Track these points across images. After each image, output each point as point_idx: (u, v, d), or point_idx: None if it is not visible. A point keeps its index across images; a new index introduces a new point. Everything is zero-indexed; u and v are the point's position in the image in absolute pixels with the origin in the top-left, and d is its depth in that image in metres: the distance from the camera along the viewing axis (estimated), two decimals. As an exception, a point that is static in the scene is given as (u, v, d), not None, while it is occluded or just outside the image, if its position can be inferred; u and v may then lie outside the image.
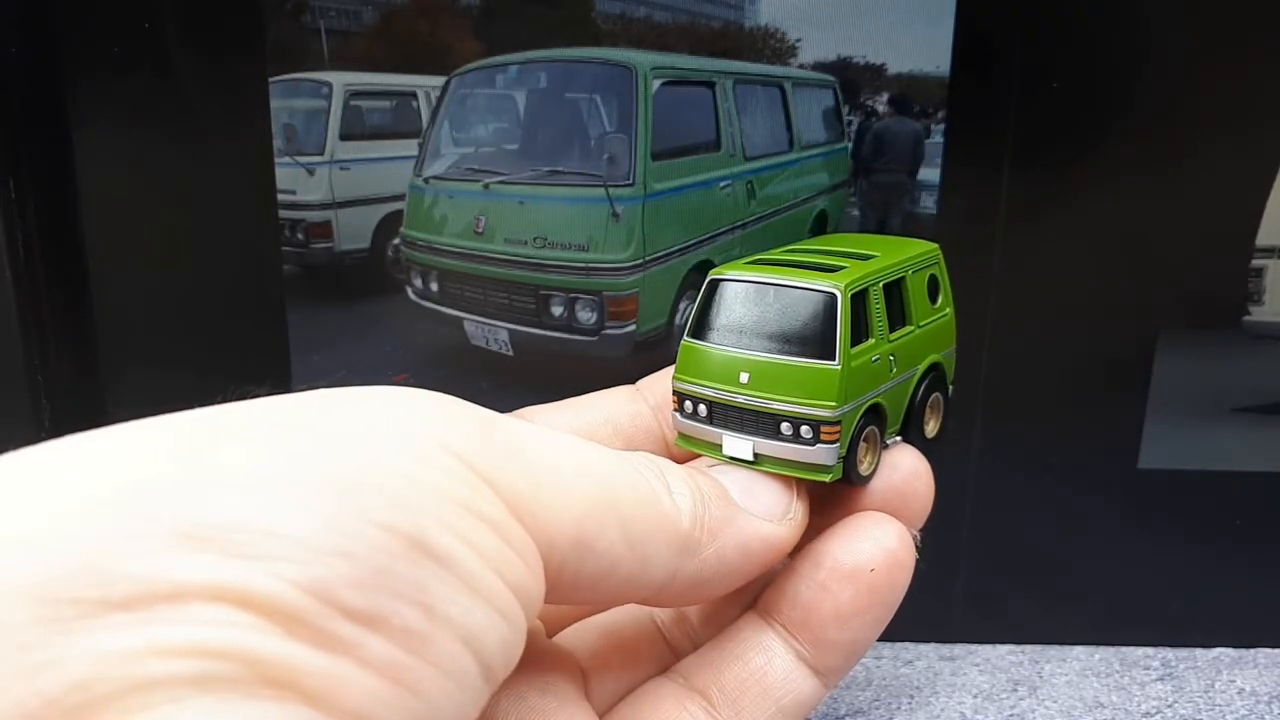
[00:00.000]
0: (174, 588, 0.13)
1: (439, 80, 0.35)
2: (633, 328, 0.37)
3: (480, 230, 0.37)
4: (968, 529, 0.38)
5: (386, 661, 0.14)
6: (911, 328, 0.25)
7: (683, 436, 0.25)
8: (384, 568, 0.15)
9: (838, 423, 0.22)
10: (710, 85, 0.35)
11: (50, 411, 0.37)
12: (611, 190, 0.35)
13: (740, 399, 0.23)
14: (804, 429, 0.22)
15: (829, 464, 0.23)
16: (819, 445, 0.22)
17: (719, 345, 0.24)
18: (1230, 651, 0.39)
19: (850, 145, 0.36)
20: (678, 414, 0.24)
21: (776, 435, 0.23)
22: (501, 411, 0.20)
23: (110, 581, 0.13)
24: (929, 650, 0.39)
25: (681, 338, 0.25)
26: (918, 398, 0.25)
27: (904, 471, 0.24)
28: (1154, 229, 0.35)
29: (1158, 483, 0.38)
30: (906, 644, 0.40)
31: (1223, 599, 0.39)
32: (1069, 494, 0.38)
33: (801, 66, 0.34)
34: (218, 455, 0.15)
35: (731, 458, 0.23)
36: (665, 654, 0.25)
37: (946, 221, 0.35)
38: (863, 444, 0.23)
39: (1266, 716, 0.36)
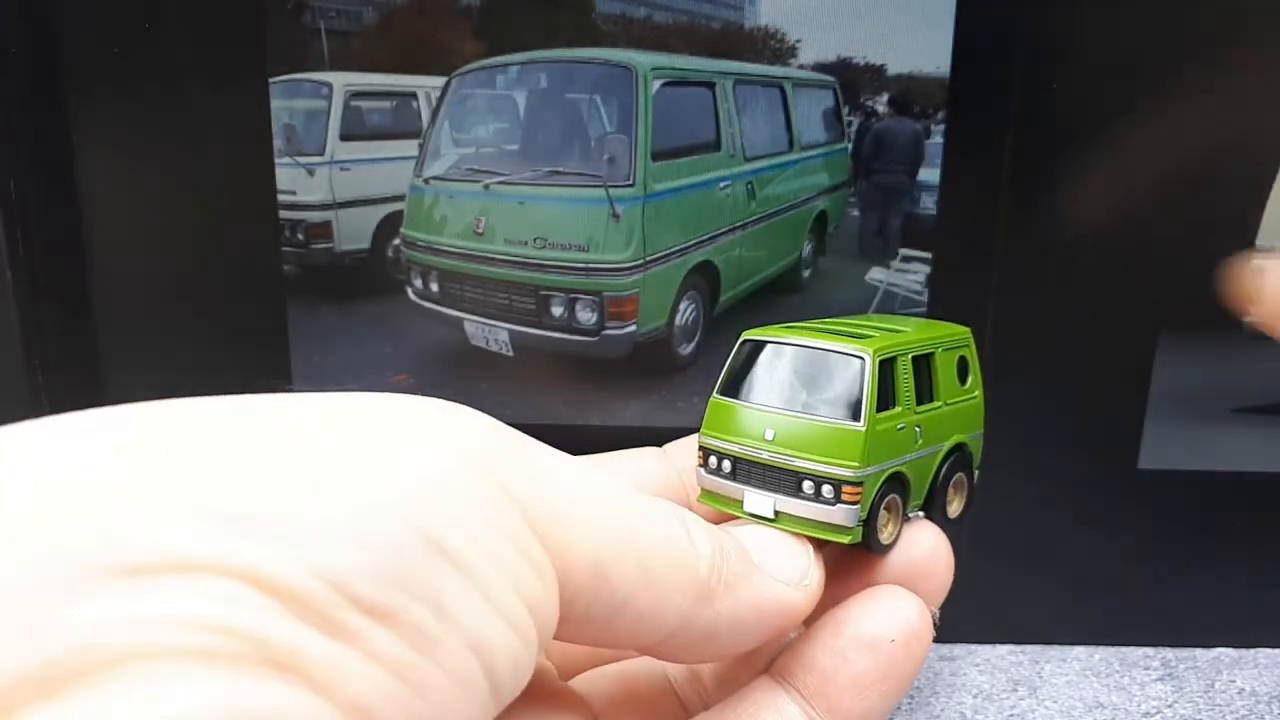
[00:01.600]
0: (185, 560, 0.13)
1: (439, 81, 0.35)
2: (633, 328, 0.37)
3: (480, 230, 0.37)
4: (968, 529, 0.38)
5: (394, 657, 0.14)
6: (939, 404, 0.25)
7: (705, 492, 0.25)
8: (400, 564, 0.15)
9: (859, 484, 0.23)
10: (710, 86, 0.35)
11: (50, 411, 0.37)
12: (611, 191, 0.35)
13: (764, 455, 0.23)
14: (825, 488, 0.23)
15: (849, 525, 0.23)
16: (840, 505, 0.23)
17: (746, 403, 0.24)
18: (1230, 651, 0.39)
19: (850, 146, 0.36)
20: (702, 469, 0.25)
21: (798, 493, 0.23)
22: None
23: (121, 547, 0.13)
24: (929, 650, 0.39)
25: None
26: (941, 474, 0.25)
27: (925, 549, 0.24)
28: (1154, 228, 0.35)
29: (1158, 483, 0.38)
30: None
31: (1223, 599, 0.39)
32: (1069, 494, 0.38)
33: (801, 67, 0.34)
34: (245, 438, 0.15)
35: (752, 514, 0.24)
36: (677, 710, 0.25)
37: (946, 221, 0.35)
38: (884, 511, 0.24)
39: (1266, 716, 0.36)
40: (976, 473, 0.27)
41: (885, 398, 0.23)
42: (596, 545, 0.18)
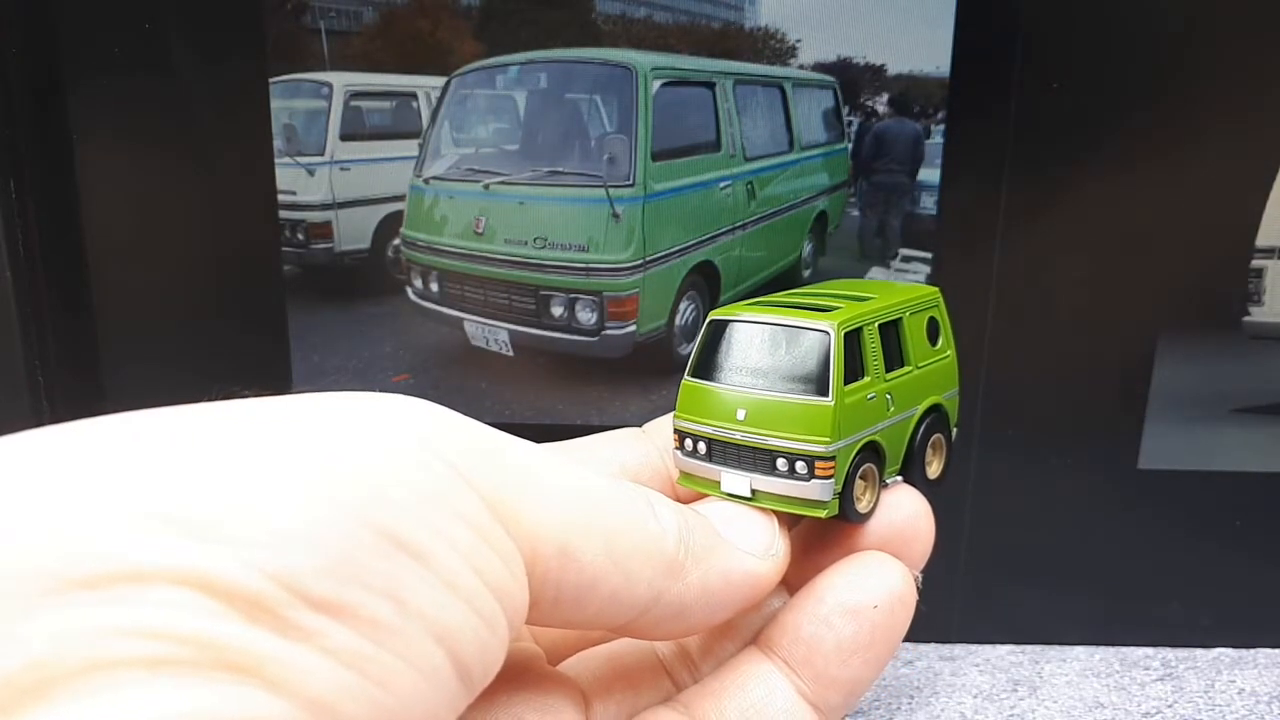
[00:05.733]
0: (137, 569, 0.13)
1: (439, 81, 0.35)
2: (633, 328, 0.37)
3: (480, 230, 0.37)
4: (968, 529, 0.38)
5: (352, 652, 0.14)
6: (910, 368, 0.25)
7: (684, 475, 0.25)
8: (352, 558, 0.15)
9: (832, 458, 0.23)
10: (710, 86, 0.35)
11: (50, 412, 0.37)
12: (612, 191, 0.35)
13: (737, 435, 0.23)
14: (799, 464, 0.23)
15: (824, 499, 0.23)
16: (814, 480, 0.23)
17: (717, 384, 0.24)
18: (1230, 651, 0.39)
19: (850, 146, 0.36)
20: (679, 452, 0.25)
21: (772, 471, 0.23)
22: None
23: (73, 559, 0.13)
24: (929, 650, 0.39)
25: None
26: (918, 438, 0.26)
27: (904, 512, 0.24)
28: (1154, 229, 0.35)
29: (1158, 483, 0.38)
30: (906, 644, 0.40)
31: (1223, 599, 0.39)
32: (1069, 494, 0.38)
33: (801, 67, 0.34)
34: (191, 443, 0.15)
35: (730, 494, 0.24)
36: (667, 685, 0.25)
37: (946, 221, 0.35)
38: (860, 481, 0.24)
39: (1266, 716, 0.36)
40: (955, 430, 0.27)
41: (853, 369, 0.23)
42: (561, 526, 0.18)
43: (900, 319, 0.25)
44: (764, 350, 0.24)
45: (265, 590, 0.14)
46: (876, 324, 0.24)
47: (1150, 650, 0.39)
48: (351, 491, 0.15)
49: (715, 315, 0.25)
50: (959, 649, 0.40)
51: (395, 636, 0.15)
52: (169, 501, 0.14)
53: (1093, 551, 0.38)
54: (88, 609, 0.12)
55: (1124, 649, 0.39)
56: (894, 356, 0.25)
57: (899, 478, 0.25)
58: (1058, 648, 0.40)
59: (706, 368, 0.24)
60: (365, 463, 0.16)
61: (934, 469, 0.26)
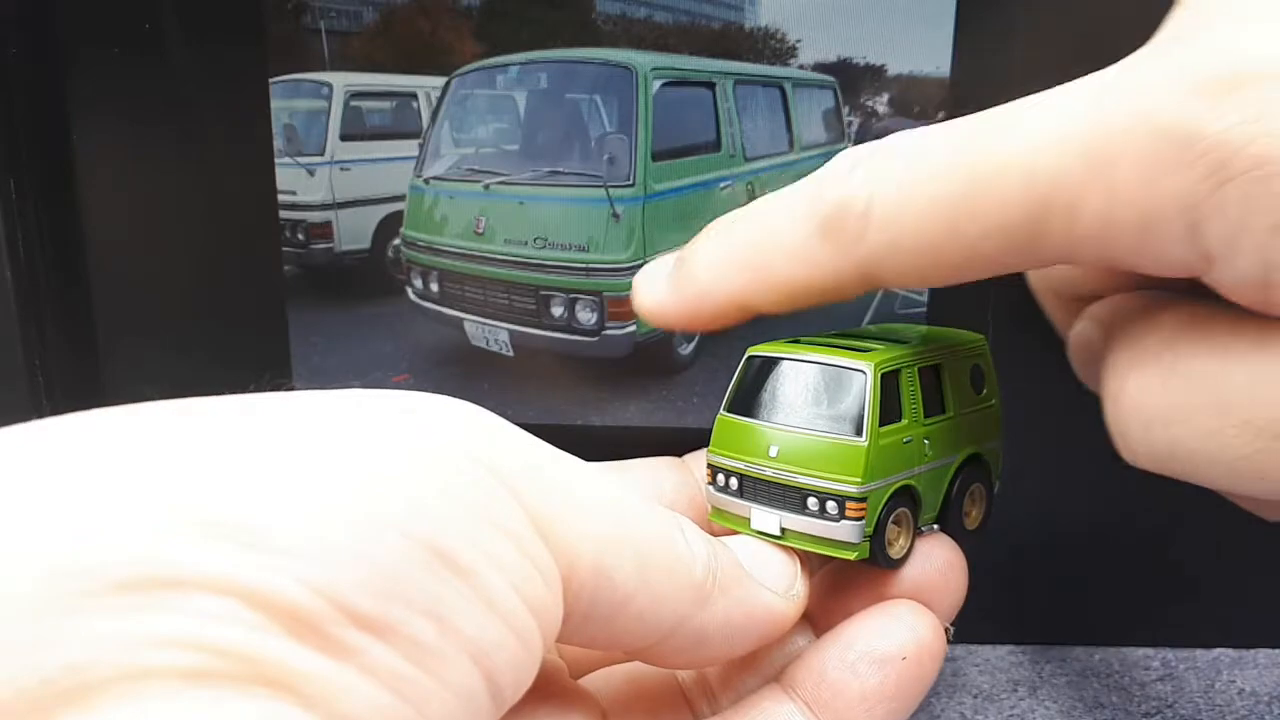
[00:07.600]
0: (178, 575, 0.13)
1: (439, 81, 0.35)
2: (633, 328, 0.37)
3: (480, 231, 0.37)
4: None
5: (391, 672, 0.14)
6: (950, 415, 0.25)
7: (715, 510, 0.25)
8: (399, 575, 0.14)
9: (863, 500, 0.22)
10: (710, 86, 0.35)
11: (50, 412, 0.37)
12: (611, 191, 0.35)
13: (769, 472, 0.23)
14: (829, 504, 0.23)
15: (854, 541, 0.23)
16: (844, 522, 0.23)
17: (751, 419, 0.24)
18: (1230, 651, 0.39)
19: (850, 146, 0.36)
20: (710, 487, 0.25)
21: (803, 510, 0.23)
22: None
23: (112, 562, 0.12)
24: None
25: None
26: (955, 486, 0.25)
27: (937, 563, 0.24)
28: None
29: (1158, 482, 0.37)
30: (906, 644, 0.40)
31: (1223, 599, 0.39)
32: (1069, 493, 0.38)
33: (802, 67, 0.34)
34: (241, 443, 0.15)
35: (759, 531, 0.24)
36: (685, 714, 0.25)
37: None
38: (893, 525, 0.23)
39: (1266, 717, 0.36)
40: (997, 483, 0.27)
41: (889, 411, 0.23)
42: (597, 543, 0.18)
43: (940, 364, 0.25)
44: (800, 388, 0.23)
45: (312, 606, 0.13)
46: (916, 367, 0.24)
47: (1150, 650, 0.39)
48: (398, 502, 0.15)
49: (753, 351, 0.25)
50: (959, 649, 0.40)
51: (435, 657, 0.15)
52: (212, 505, 0.13)
53: (1093, 551, 0.38)
54: (125, 615, 0.12)
55: (1124, 649, 0.39)
56: (933, 402, 0.24)
57: (935, 526, 0.25)
58: (1058, 648, 0.40)
59: (742, 403, 0.24)
60: (411, 471, 0.15)
61: (972, 519, 0.26)
